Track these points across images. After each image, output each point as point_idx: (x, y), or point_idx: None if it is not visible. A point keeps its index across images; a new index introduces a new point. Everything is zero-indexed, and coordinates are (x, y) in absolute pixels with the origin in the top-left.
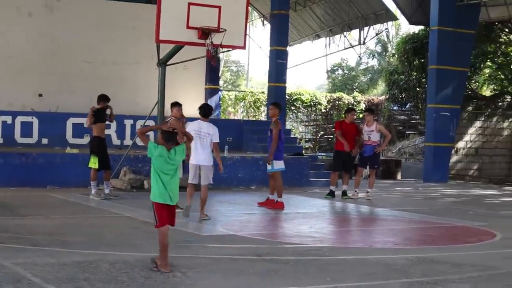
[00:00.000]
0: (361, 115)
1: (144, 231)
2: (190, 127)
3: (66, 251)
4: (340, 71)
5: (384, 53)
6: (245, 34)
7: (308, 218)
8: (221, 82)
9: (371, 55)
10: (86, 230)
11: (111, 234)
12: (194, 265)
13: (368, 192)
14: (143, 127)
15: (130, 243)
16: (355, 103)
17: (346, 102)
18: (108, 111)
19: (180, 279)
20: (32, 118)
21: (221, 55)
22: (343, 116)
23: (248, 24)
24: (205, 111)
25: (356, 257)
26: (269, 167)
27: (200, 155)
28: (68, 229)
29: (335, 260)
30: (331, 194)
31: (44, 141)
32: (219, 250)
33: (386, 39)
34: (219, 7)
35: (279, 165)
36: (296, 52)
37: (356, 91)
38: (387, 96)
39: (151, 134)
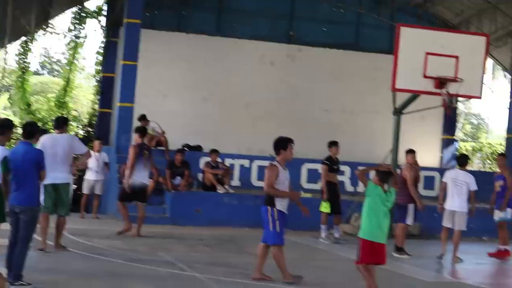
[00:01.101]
0: None
1: None
2: (448, 175)
3: None
4: None
5: None
6: (482, 84)
7: None
8: (460, 134)
9: None
10: (312, 270)
11: (338, 276)
12: None
13: None
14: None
15: (355, 285)
16: None
17: None
18: None
19: None
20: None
21: (461, 107)
22: None
23: (489, 75)
24: (461, 160)
25: None
26: (501, 215)
27: (455, 202)
28: (294, 268)
29: None
30: None
31: None
32: None
33: None
34: (457, 57)
35: (509, 214)
36: None
37: None
38: None
39: None
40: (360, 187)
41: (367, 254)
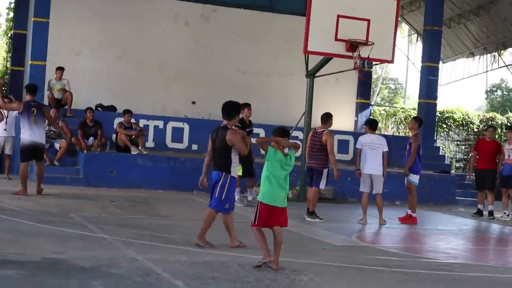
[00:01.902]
0: None
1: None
2: (362, 140)
3: (199, 251)
4: (499, 92)
5: None
6: (394, 48)
7: (447, 235)
8: (378, 99)
9: None
10: (223, 233)
11: (247, 238)
12: (322, 272)
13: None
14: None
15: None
16: (508, 124)
17: (500, 122)
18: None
19: (305, 284)
20: (184, 124)
21: (379, 72)
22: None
23: (406, 40)
24: (372, 124)
25: (487, 275)
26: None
27: (373, 165)
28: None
29: (465, 276)
30: (479, 213)
31: (194, 147)
32: (349, 259)
33: None
34: (368, 20)
35: (415, 178)
36: (452, 70)
37: None
38: None
39: None
40: None
41: (263, 217)
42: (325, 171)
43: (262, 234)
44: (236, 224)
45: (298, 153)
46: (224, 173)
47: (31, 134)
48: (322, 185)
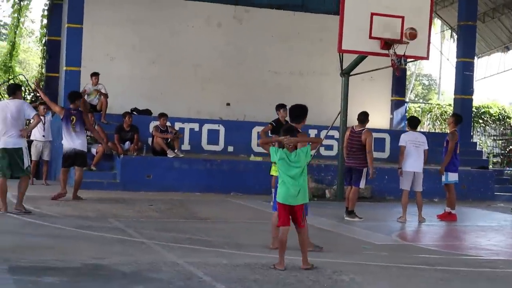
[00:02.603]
0: None
1: (320, 237)
2: (406, 138)
3: (239, 253)
4: None
5: None
6: (429, 45)
7: (488, 232)
8: (412, 96)
9: None
10: (262, 234)
11: (287, 239)
12: (363, 271)
13: None
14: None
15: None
16: None
17: None
18: None
19: (347, 284)
20: (219, 126)
21: (412, 68)
22: None
23: (439, 36)
24: (413, 122)
25: None
26: (443, 178)
27: (417, 163)
28: (244, 233)
29: (509, 273)
30: None
31: (230, 148)
32: (391, 259)
33: None
34: (402, 18)
35: (452, 177)
36: (487, 65)
37: None
38: None
39: None
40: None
41: (281, 217)
42: (365, 170)
43: (281, 238)
44: (268, 225)
45: (314, 151)
46: None
47: (71, 141)
48: (362, 184)
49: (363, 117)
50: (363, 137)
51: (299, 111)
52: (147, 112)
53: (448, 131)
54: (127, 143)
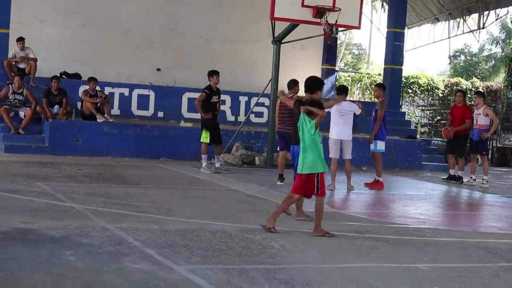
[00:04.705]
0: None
1: (250, 204)
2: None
3: (169, 219)
4: (462, 57)
5: (508, 40)
6: (361, 14)
7: (415, 200)
8: (342, 64)
9: (495, 42)
10: (192, 200)
11: (216, 205)
12: (293, 238)
13: (483, 179)
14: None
15: (234, 215)
16: (473, 89)
17: (464, 87)
18: None
19: (277, 251)
20: (149, 91)
21: (343, 38)
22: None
23: (369, 6)
24: (342, 90)
25: (457, 239)
26: (371, 147)
27: (343, 131)
28: (174, 199)
29: (436, 241)
30: (450, 178)
31: (160, 114)
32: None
33: (511, 25)
34: None
35: (381, 145)
36: (416, 36)
37: (477, 78)
38: (506, 83)
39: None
40: (241, 117)
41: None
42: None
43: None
44: (202, 192)
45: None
46: None
47: None
48: None
49: (292, 83)
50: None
51: (314, 83)
52: (77, 76)
53: (377, 101)
54: (56, 107)
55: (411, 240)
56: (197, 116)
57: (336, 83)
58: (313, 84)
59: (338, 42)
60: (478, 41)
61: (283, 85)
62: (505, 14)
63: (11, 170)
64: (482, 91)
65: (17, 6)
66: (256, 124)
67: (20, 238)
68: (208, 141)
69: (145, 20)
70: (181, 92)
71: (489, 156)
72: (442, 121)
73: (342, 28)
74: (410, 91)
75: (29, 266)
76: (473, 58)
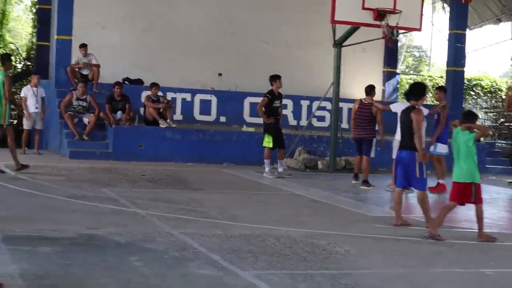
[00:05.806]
0: None
1: (313, 208)
2: (398, 107)
3: (234, 224)
4: None
5: None
6: (421, 16)
7: None
8: (403, 67)
9: None
10: (256, 205)
11: (280, 210)
12: (359, 244)
13: None
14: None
15: (297, 220)
16: None
17: None
18: None
19: (342, 256)
20: (211, 96)
21: (403, 40)
22: None
23: (430, 8)
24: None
25: None
26: (431, 148)
27: None
28: (238, 204)
29: (502, 246)
30: None
31: (222, 119)
32: (385, 231)
33: None
34: None
35: (441, 148)
36: (478, 37)
37: None
38: None
39: None
40: (303, 122)
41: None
42: (374, 140)
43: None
44: (265, 197)
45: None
46: (416, 153)
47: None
48: (372, 154)
49: (370, 89)
50: (373, 109)
51: (418, 90)
52: (139, 81)
53: (438, 104)
54: (119, 112)
55: (477, 244)
56: (259, 120)
57: (398, 86)
58: (419, 91)
59: (399, 44)
60: None
61: (344, 88)
62: None
63: (76, 176)
64: None
65: (79, 12)
66: (318, 128)
67: (86, 244)
68: (271, 146)
69: (205, 25)
70: (243, 96)
71: None
72: (506, 123)
73: (403, 31)
74: (472, 93)
75: (94, 272)
76: None
